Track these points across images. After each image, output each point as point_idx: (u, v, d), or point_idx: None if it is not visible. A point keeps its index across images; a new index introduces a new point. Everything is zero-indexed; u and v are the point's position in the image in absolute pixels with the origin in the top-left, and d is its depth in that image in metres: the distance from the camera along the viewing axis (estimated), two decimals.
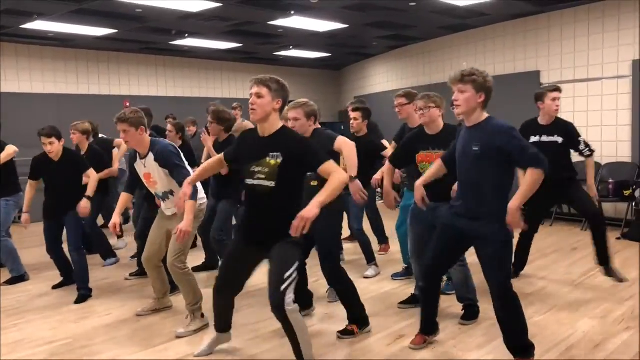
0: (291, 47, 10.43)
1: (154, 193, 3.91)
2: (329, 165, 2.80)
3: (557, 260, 5.54)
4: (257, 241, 2.97)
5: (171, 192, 3.77)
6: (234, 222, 5.27)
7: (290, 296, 2.78)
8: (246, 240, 3.04)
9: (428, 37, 10.03)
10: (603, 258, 4.41)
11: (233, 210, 5.01)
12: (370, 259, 5.21)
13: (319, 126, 3.73)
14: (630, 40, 7.16)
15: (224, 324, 3.36)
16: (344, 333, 3.61)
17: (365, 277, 4.98)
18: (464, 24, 8.94)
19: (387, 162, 3.96)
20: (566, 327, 3.67)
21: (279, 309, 2.76)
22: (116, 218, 3.83)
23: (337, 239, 3.91)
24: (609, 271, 4.42)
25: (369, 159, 4.70)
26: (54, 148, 4.51)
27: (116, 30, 8.39)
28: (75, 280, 4.61)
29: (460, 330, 3.67)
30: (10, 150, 5.02)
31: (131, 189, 4.03)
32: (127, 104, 8.62)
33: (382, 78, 11.90)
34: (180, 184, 3.45)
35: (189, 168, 3.77)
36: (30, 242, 6.26)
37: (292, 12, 7.57)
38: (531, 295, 4.36)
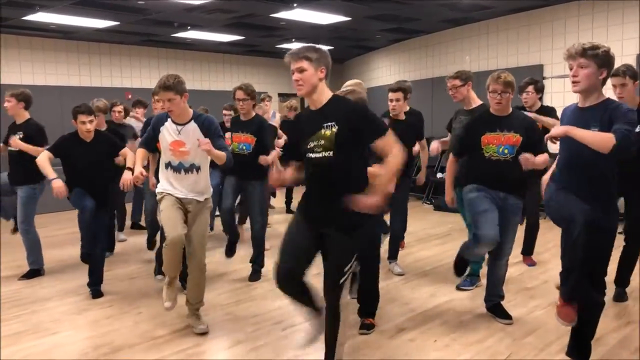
0: (293, 39, 10.40)
1: (173, 164, 3.52)
2: (386, 141, 2.57)
3: (558, 254, 5.46)
4: (317, 217, 2.70)
5: (199, 168, 3.53)
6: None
7: (345, 291, 2.68)
8: (306, 217, 2.76)
9: (431, 30, 10.00)
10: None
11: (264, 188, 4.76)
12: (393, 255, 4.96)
13: None
14: (634, 34, 7.12)
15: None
16: (364, 327, 3.56)
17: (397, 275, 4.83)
18: (467, 17, 8.91)
19: (450, 157, 3.80)
20: None
21: (332, 300, 2.69)
22: (139, 168, 3.58)
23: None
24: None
25: (407, 146, 4.29)
26: (93, 126, 4.27)
27: (118, 23, 8.37)
28: (94, 276, 4.46)
29: (460, 324, 3.67)
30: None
31: (149, 146, 3.68)
32: (129, 97, 8.61)
33: (384, 71, 11.87)
34: (219, 149, 3.40)
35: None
36: None
37: (295, 5, 7.54)
38: (533, 289, 4.36)
